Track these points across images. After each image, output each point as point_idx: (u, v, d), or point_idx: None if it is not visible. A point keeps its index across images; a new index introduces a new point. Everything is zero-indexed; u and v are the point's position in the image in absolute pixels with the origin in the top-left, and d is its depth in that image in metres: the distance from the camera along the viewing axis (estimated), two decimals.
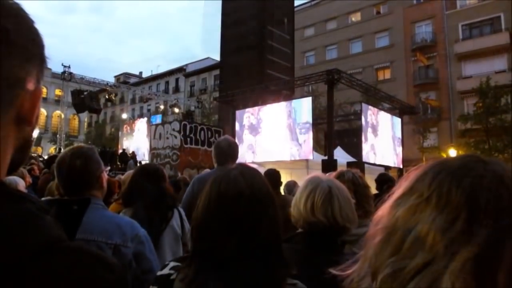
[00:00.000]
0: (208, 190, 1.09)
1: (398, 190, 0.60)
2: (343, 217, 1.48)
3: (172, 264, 1.12)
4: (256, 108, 14.39)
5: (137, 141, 23.08)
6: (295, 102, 13.42)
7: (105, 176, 1.88)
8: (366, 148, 13.28)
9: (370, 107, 14.52)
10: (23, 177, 4.07)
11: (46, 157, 20.18)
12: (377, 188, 4.87)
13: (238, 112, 14.89)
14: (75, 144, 2.06)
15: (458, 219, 0.49)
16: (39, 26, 0.55)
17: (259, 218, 1.04)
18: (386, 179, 4.84)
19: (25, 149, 0.56)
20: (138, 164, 15.81)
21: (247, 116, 14.52)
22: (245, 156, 13.33)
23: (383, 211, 0.59)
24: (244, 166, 1.18)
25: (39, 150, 39.86)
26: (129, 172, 3.97)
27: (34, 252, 0.46)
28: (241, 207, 1.03)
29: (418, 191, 0.55)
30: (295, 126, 12.90)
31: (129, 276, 1.65)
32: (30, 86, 0.52)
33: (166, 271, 1.10)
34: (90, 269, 0.50)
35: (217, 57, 27.81)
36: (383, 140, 14.66)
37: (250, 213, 1.03)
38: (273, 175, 4.36)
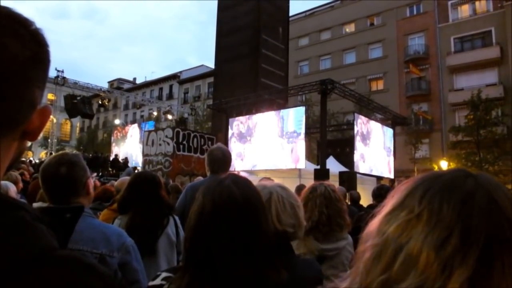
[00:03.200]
0: (201, 200, 1.07)
1: (388, 205, 0.59)
2: (281, 223, 1.46)
3: (164, 274, 1.10)
4: (246, 116, 14.42)
5: (130, 147, 22.94)
6: (285, 111, 13.48)
7: (91, 182, 1.83)
8: (358, 158, 13.34)
9: (362, 117, 14.61)
10: (16, 182, 4.01)
11: (37, 161, 19.98)
12: (375, 200, 4.81)
13: (230, 120, 14.92)
14: (67, 149, 2.04)
15: (451, 238, 0.49)
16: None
17: (253, 226, 1.03)
18: (385, 191, 4.71)
19: (18, 158, 0.58)
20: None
21: (236, 124, 14.54)
22: (233, 164, 13.31)
23: (373, 226, 0.58)
24: (235, 175, 1.17)
25: (30, 154, 39.41)
26: (123, 179, 3.93)
27: (27, 261, 0.47)
28: (235, 216, 1.02)
29: (408, 207, 0.55)
30: (284, 135, 12.94)
31: (118, 286, 1.60)
32: (39, 104, 0.56)
33: (158, 281, 1.08)
34: (81, 278, 0.51)
35: (211, 64, 27.92)
36: (375, 150, 14.74)
37: (245, 222, 1.02)
38: None
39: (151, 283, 1.10)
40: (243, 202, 1.04)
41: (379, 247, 0.54)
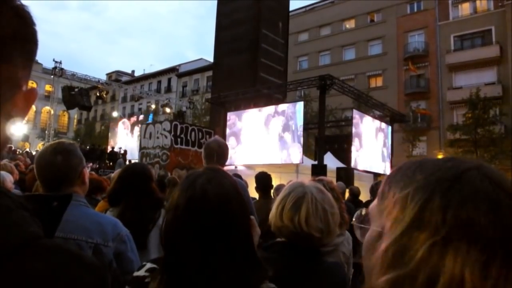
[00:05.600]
0: (177, 195, 1.04)
1: (393, 219, 0.51)
2: (309, 225, 1.40)
3: (148, 265, 1.09)
4: (245, 110, 14.40)
5: (120, 140, 22.91)
6: (284, 106, 13.45)
7: (87, 172, 1.81)
8: (355, 154, 13.35)
9: (360, 113, 14.61)
10: (11, 173, 3.96)
11: (34, 152, 19.93)
12: (372, 196, 4.83)
13: (229, 114, 14.90)
14: (64, 140, 2.01)
15: (495, 259, 0.44)
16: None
17: (227, 226, 1.00)
18: None
19: (3, 145, 0.54)
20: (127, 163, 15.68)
21: (234, 118, 14.53)
22: (231, 158, 13.29)
23: (383, 254, 0.50)
24: (212, 169, 1.12)
25: (27, 145, 39.35)
26: (118, 171, 3.92)
27: (8, 250, 0.44)
28: (208, 215, 0.99)
29: (430, 225, 0.47)
30: (282, 130, 12.92)
31: (109, 277, 1.55)
32: (25, 86, 0.52)
33: (142, 273, 1.07)
34: (67, 269, 0.48)
35: (210, 58, 27.83)
36: (372, 147, 14.75)
37: (218, 221, 0.99)
38: (263, 179, 4.35)
39: (135, 274, 1.09)
40: (216, 201, 1.01)
41: (404, 278, 0.47)
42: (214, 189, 1.02)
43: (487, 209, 0.46)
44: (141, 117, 25.54)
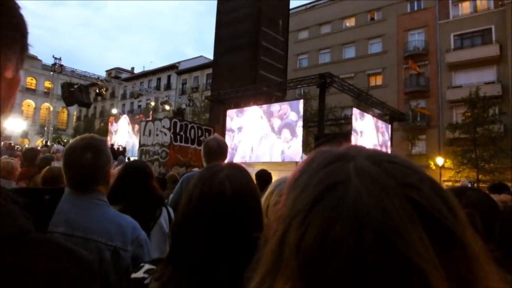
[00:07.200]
0: (191, 189, 1.03)
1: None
2: None
3: (147, 266, 1.06)
4: (244, 108, 14.39)
5: (119, 138, 22.86)
6: (285, 104, 13.44)
7: (112, 171, 1.79)
8: None
9: (360, 112, 14.62)
10: (15, 169, 3.97)
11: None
12: None
13: (228, 112, 14.89)
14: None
15: None
16: (28, 17, 0.52)
17: (240, 223, 0.98)
18: None
19: None
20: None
21: (234, 116, 14.53)
22: (231, 155, 13.29)
23: None
24: (232, 166, 1.10)
25: (26, 142, 39.30)
26: (118, 168, 3.91)
27: None
28: (222, 211, 0.97)
29: (286, 269, 0.36)
30: (283, 128, 12.91)
31: (97, 271, 1.57)
32: (8, 73, 0.48)
33: (140, 274, 1.03)
34: (55, 262, 0.47)
35: (210, 55, 27.78)
36: (371, 145, 14.75)
37: (232, 218, 0.97)
38: (263, 176, 4.35)
39: (133, 275, 1.05)
40: (231, 200, 0.99)
41: None
42: (233, 186, 1.01)
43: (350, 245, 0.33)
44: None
